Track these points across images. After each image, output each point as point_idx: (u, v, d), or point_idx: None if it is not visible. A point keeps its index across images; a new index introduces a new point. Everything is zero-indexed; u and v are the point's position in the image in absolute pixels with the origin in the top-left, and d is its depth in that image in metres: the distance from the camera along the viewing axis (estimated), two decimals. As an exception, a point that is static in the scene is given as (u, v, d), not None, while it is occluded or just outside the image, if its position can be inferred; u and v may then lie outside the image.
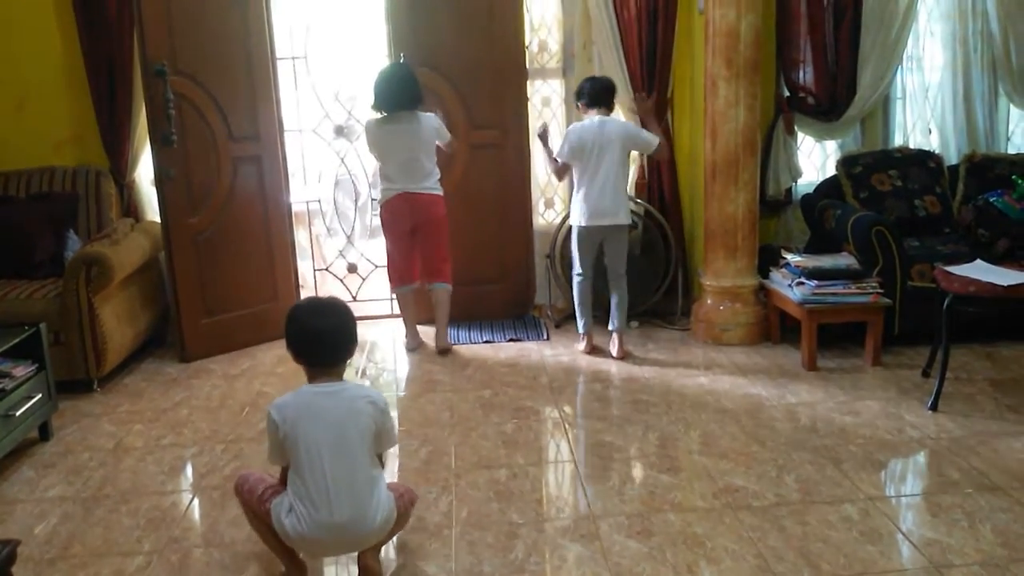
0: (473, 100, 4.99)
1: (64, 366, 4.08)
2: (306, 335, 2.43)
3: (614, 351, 4.48)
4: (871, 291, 4.13)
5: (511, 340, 4.83)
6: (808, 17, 4.82)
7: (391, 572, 2.62)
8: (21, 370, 3.52)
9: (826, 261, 4.23)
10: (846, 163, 4.89)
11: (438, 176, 4.54)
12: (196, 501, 3.16)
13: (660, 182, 5.07)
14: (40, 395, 3.58)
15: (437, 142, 4.53)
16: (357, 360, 4.65)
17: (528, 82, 5.07)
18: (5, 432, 3.31)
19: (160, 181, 4.52)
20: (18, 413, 3.38)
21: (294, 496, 2.36)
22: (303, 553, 2.54)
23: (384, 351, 4.81)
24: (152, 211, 4.98)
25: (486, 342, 4.84)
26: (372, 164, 4.61)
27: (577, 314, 4.60)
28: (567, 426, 3.73)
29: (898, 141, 5.24)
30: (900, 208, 4.68)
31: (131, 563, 2.70)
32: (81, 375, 4.19)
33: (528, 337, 4.85)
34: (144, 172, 4.97)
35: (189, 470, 3.42)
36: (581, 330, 4.59)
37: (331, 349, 2.44)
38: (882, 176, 4.79)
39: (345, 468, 2.35)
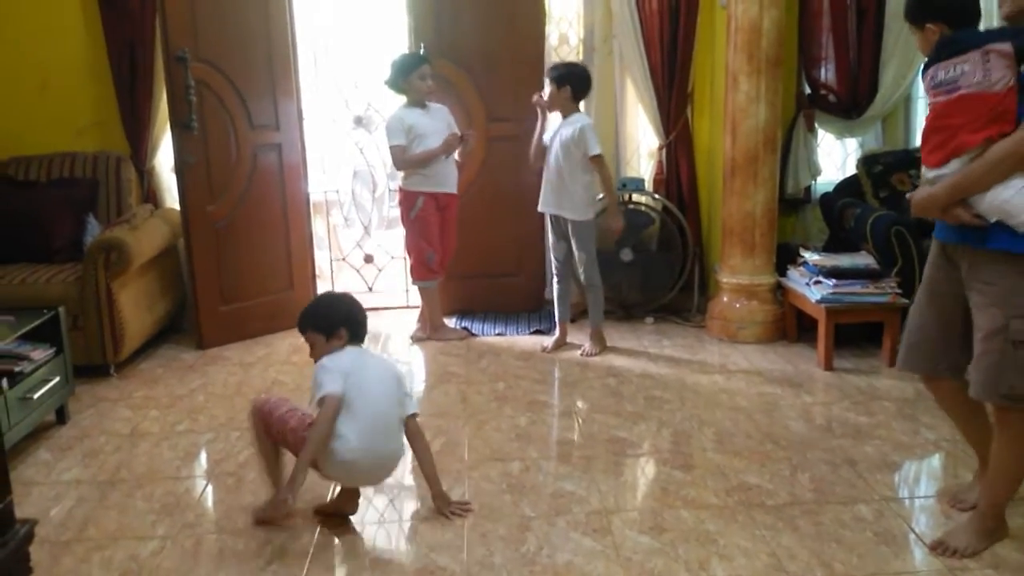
0: (491, 92, 4.99)
1: (82, 350, 4.11)
2: (355, 315, 2.92)
3: (583, 348, 4.52)
4: (889, 291, 4.10)
5: (535, 332, 4.83)
6: (831, 14, 4.79)
7: (404, 561, 2.63)
8: (39, 353, 3.55)
9: (844, 260, 4.21)
10: (866, 162, 4.85)
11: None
12: (210, 487, 3.18)
13: (678, 177, 5.05)
14: (58, 379, 3.61)
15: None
16: (373, 350, 4.65)
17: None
18: (23, 415, 3.34)
19: (180, 168, 4.54)
20: (36, 396, 3.41)
21: (347, 428, 2.68)
22: (335, 480, 2.89)
23: (399, 342, 4.82)
24: (171, 198, 5.01)
25: (498, 335, 4.84)
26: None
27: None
28: (580, 420, 3.73)
29: (919, 141, 5.18)
30: (912, 211, 4.62)
31: (145, 547, 2.72)
32: (98, 360, 4.22)
33: (544, 330, 4.84)
34: (164, 159, 5.00)
35: (204, 456, 3.44)
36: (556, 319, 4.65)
37: (366, 327, 2.95)
38: (902, 176, 4.75)
39: (388, 409, 2.80)
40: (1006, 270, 2.37)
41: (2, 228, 4.51)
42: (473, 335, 4.84)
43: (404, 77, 4.44)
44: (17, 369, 3.38)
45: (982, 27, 2.48)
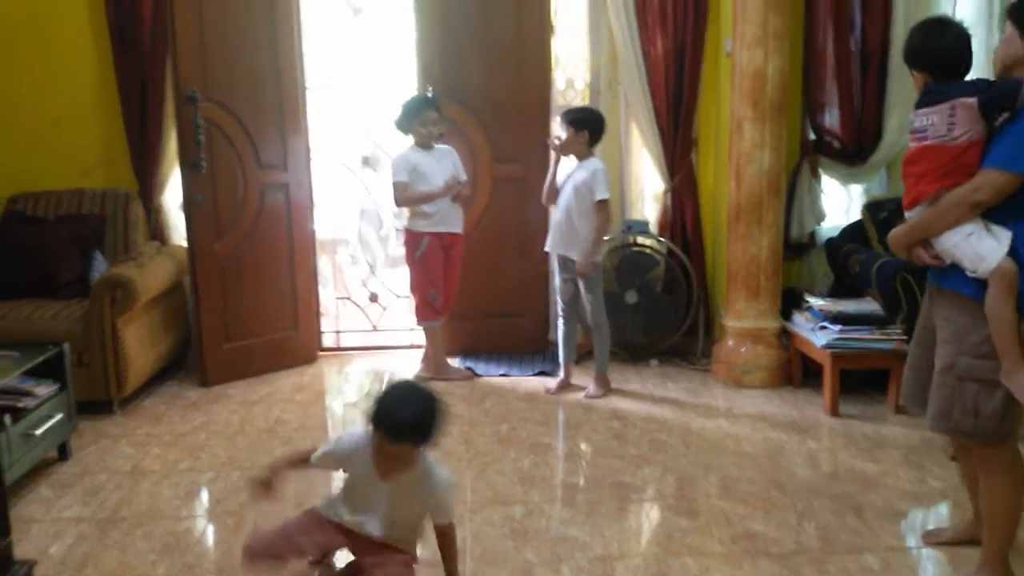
0: (497, 134, 5.03)
1: (86, 386, 4.10)
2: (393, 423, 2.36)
3: (587, 390, 4.52)
4: (895, 338, 4.09)
5: (539, 374, 4.82)
6: (835, 60, 4.82)
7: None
8: (43, 389, 3.54)
9: (850, 306, 4.21)
10: (871, 208, 4.86)
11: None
12: (211, 527, 3.15)
13: (683, 220, 5.07)
14: (61, 415, 3.60)
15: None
16: (378, 391, 4.63)
17: (553, 119, 5.10)
18: (25, 450, 3.33)
19: (188, 206, 4.57)
20: (38, 432, 3.40)
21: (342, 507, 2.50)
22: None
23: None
24: (178, 235, 5.03)
25: (502, 375, 4.83)
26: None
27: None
28: (584, 464, 3.71)
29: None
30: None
31: (144, 588, 2.70)
32: (102, 396, 4.21)
33: (548, 371, 4.83)
34: (171, 196, 5.03)
35: (205, 496, 3.42)
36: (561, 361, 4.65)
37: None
38: (907, 222, 4.75)
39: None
40: (959, 310, 2.48)
41: (9, 263, 4.53)
42: (477, 375, 4.83)
43: (411, 119, 4.49)
44: (20, 405, 3.37)
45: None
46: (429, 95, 4.72)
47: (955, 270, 2.46)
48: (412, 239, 4.60)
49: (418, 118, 4.49)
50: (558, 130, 4.53)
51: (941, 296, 2.56)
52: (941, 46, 2.50)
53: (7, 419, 3.23)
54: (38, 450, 3.44)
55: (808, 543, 2.92)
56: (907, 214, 2.57)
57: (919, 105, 2.51)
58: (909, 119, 2.56)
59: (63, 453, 3.71)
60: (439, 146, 4.62)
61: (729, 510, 3.18)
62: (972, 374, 2.44)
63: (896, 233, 2.60)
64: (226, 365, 4.74)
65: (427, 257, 4.59)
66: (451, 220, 4.63)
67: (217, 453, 3.80)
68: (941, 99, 2.43)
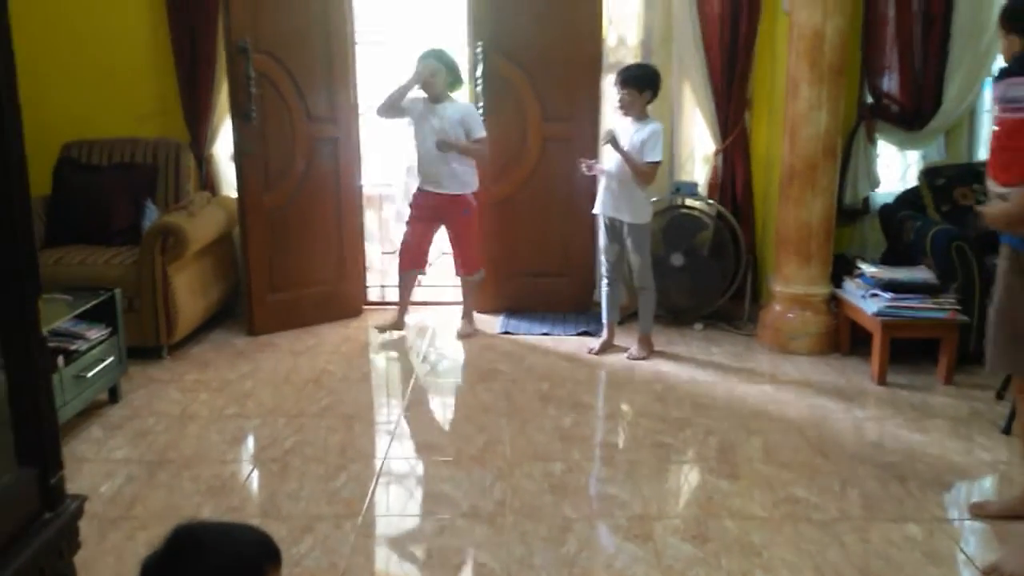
0: (547, 92, 4.97)
1: (136, 332, 4.18)
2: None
3: (630, 351, 4.49)
4: (948, 307, 4.00)
5: (582, 333, 4.80)
6: (896, 23, 4.68)
7: (446, 556, 2.63)
8: (95, 333, 3.62)
9: (903, 274, 4.12)
10: (928, 175, 4.74)
11: None
12: (256, 472, 3.21)
13: (733, 183, 4.99)
14: (112, 358, 3.68)
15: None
16: (419, 345, 4.67)
17: (604, 76, 5.03)
18: (77, 392, 3.41)
19: (239, 157, 4.60)
20: (90, 375, 3.48)
21: None
22: None
23: (446, 338, 4.83)
24: (228, 186, 5.08)
25: (544, 334, 4.82)
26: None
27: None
28: (625, 424, 3.70)
29: (983, 155, 5.06)
30: (982, 224, 4.51)
31: (190, 528, 2.76)
32: (152, 342, 4.29)
33: (590, 331, 4.81)
34: (223, 147, 5.07)
35: (251, 441, 3.48)
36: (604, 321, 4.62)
37: None
38: (965, 190, 4.63)
39: None
40: None
41: (63, 209, 4.62)
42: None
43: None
44: (73, 347, 3.45)
45: None
46: (434, 50, 4.58)
47: None
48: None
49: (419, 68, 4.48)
50: (612, 93, 4.41)
51: None
52: None
53: (60, 361, 3.31)
54: (89, 392, 3.52)
55: (851, 510, 2.89)
56: (1000, 189, 2.45)
57: (1012, 73, 2.38)
58: (1000, 88, 2.42)
59: (113, 396, 3.80)
60: (455, 103, 4.54)
61: (771, 475, 3.15)
62: None
63: (994, 214, 2.52)
64: (273, 315, 4.80)
65: (411, 208, 4.71)
66: (434, 179, 4.55)
67: (263, 401, 3.86)
68: None
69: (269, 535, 1.46)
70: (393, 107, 4.52)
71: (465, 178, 4.57)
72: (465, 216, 4.64)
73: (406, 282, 4.83)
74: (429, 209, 4.63)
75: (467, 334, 4.81)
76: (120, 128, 4.94)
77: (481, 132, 4.53)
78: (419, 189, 4.67)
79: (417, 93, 4.51)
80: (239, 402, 3.84)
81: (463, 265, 4.79)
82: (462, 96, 4.71)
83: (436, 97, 4.50)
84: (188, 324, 4.47)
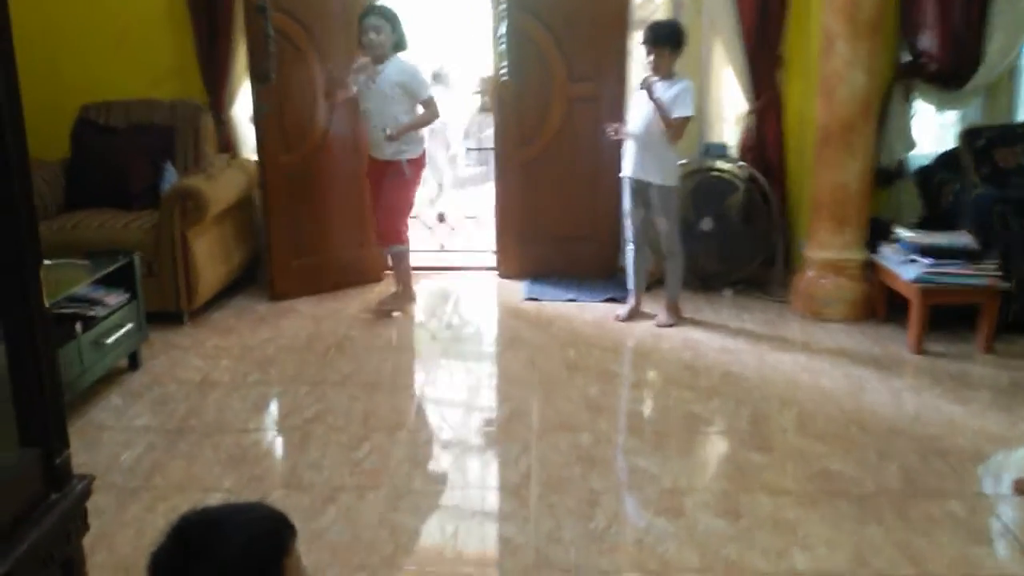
0: (572, 51, 4.83)
1: (156, 297, 4.11)
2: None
3: (657, 318, 4.38)
4: (989, 274, 3.86)
5: (608, 300, 4.70)
6: (936, -24, 4.48)
7: (473, 530, 2.56)
8: (114, 298, 3.56)
9: (942, 239, 3.98)
10: (968, 136, 4.57)
11: None
12: (278, 441, 3.16)
13: (765, 145, 4.84)
14: (131, 324, 3.62)
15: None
16: (444, 312, 4.59)
17: (631, 34, 4.86)
18: (96, 359, 3.36)
19: (257, 118, 4.50)
20: (109, 341, 3.43)
21: None
22: None
23: (470, 304, 4.74)
24: (248, 148, 4.99)
25: (569, 300, 4.72)
26: (468, 113, 4.49)
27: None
28: (654, 394, 3.62)
29: (1026, 115, 4.88)
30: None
31: (211, 499, 2.70)
32: (172, 307, 4.23)
33: (617, 298, 4.71)
34: (242, 109, 4.97)
35: (273, 409, 3.43)
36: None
37: None
38: (1006, 152, 4.46)
39: None
40: None
41: (82, 172, 4.55)
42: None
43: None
44: (91, 313, 3.39)
45: None
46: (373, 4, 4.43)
47: None
48: None
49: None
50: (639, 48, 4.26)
51: None
52: None
53: (78, 327, 3.25)
54: (109, 359, 3.47)
55: (889, 485, 2.79)
56: None
57: None
58: None
59: (133, 362, 3.75)
60: (394, 62, 4.30)
61: (806, 447, 3.06)
62: None
63: None
64: (295, 280, 4.73)
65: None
66: (374, 144, 4.40)
67: (285, 367, 3.80)
68: None
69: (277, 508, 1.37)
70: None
71: (400, 145, 4.32)
72: (393, 181, 4.38)
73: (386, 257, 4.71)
74: (373, 175, 4.49)
75: (383, 311, 4.49)
76: (137, 89, 4.84)
77: (426, 93, 4.34)
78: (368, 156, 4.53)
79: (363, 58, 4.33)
80: (261, 369, 3.78)
81: (377, 234, 4.58)
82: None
83: (379, 58, 4.29)
84: (209, 289, 4.41)
